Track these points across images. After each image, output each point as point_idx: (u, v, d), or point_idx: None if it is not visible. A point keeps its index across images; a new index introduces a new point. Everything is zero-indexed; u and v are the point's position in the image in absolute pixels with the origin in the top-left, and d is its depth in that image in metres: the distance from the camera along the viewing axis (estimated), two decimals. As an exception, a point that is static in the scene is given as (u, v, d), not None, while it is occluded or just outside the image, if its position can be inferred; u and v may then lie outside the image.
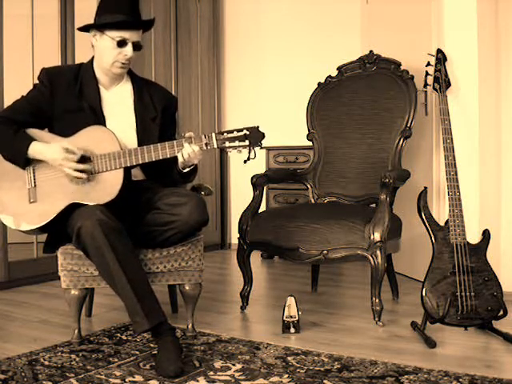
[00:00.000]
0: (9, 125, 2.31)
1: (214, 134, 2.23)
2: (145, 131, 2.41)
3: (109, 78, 2.43)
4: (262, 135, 2.23)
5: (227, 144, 2.23)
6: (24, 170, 2.30)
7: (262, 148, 4.56)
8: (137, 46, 2.35)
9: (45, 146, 2.27)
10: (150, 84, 2.59)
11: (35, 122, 2.36)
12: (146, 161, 2.25)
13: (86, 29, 2.40)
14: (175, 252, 2.40)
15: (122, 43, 2.32)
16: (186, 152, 2.24)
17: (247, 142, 2.22)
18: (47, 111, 2.36)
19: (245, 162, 2.24)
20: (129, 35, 2.32)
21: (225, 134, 2.23)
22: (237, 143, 2.22)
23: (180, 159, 2.27)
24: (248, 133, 2.22)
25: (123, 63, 2.35)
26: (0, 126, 2.31)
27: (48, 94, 2.36)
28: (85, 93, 2.39)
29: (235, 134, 2.22)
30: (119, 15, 2.30)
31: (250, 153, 2.23)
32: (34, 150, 2.26)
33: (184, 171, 2.37)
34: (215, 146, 2.23)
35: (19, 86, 3.39)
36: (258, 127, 2.23)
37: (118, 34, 2.31)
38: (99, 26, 2.33)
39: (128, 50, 2.32)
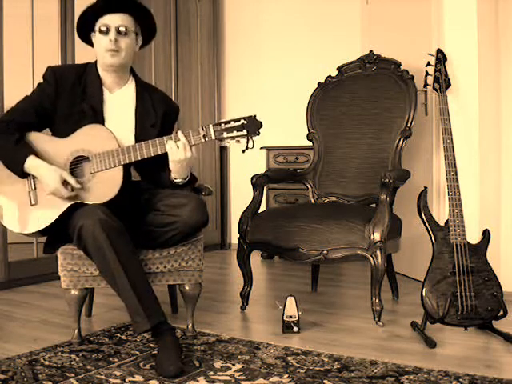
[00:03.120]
0: (12, 132, 2.28)
1: (211, 126, 2.21)
2: (143, 137, 2.38)
3: (113, 80, 2.42)
4: (260, 124, 2.20)
5: (225, 135, 2.20)
6: (22, 177, 2.28)
7: (262, 148, 4.58)
8: (121, 31, 2.32)
9: (41, 166, 2.24)
10: (153, 90, 2.57)
11: (40, 122, 2.35)
12: (145, 156, 2.24)
13: (87, 38, 2.42)
14: (175, 252, 2.40)
15: (105, 31, 2.32)
16: (174, 144, 2.21)
17: (245, 132, 2.19)
18: (50, 110, 2.35)
19: (243, 151, 2.21)
20: (110, 21, 2.32)
21: (222, 124, 2.21)
22: (235, 133, 2.20)
23: (168, 150, 2.23)
24: (245, 122, 2.20)
25: (110, 49, 2.32)
26: (2, 133, 2.29)
27: (52, 93, 2.34)
28: (88, 94, 2.37)
29: (232, 124, 2.20)
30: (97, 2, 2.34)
31: (248, 142, 2.20)
32: (31, 165, 2.24)
33: (175, 181, 2.34)
34: (213, 138, 2.21)
35: (19, 86, 3.40)
36: (255, 116, 2.21)
37: (101, 23, 2.32)
38: (80, 19, 2.37)
39: (111, 34, 2.31)
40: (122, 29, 2.32)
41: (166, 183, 2.38)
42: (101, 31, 2.32)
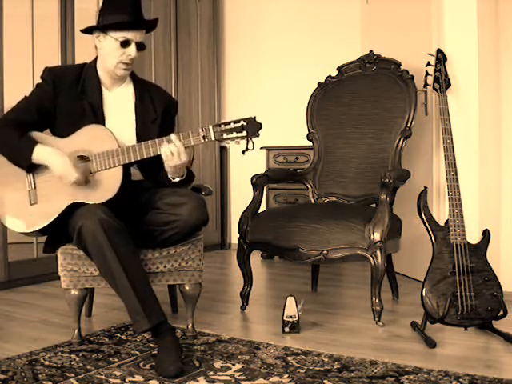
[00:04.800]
0: (15, 127, 2.28)
1: (211, 127, 2.21)
2: (144, 133, 2.40)
3: (111, 80, 2.42)
4: (260, 125, 2.20)
5: (225, 136, 2.20)
6: (28, 172, 2.29)
7: (262, 148, 4.58)
8: (140, 46, 2.34)
9: (50, 153, 2.24)
10: (151, 86, 2.59)
11: (40, 121, 2.35)
12: (145, 156, 2.24)
13: (88, 30, 2.39)
14: (175, 252, 2.40)
15: (125, 43, 2.31)
16: (170, 150, 2.20)
17: (245, 133, 2.20)
18: (50, 110, 2.36)
19: (243, 152, 2.22)
20: (132, 35, 2.31)
21: (222, 125, 2.21)
22: (234, 134, 2.20)
23: (162, 155, 2.23)
24: (245, 123, 2.20)
25: (127, 63, 2.34)
26: (5, 128, 2.30)
27: (51, 92, 2.35)
28: (87, 93, 2.38)
29: (232, 125, 2.20)
30: (122, 15, 2.29)
31: (247, 144, 2.21)
32: (38, 155, 2.24)
33: (173, 181, 2.34)
34: (213, 139, 2.21)
35: (19, 86, 3.40)
36: (254, 117, 2.21)
37: (121, 35, 2.30)
38: (102, 27, 2.33)
39: (131, 50, 2.31)
40: (141, 46, 2.34)
41: (165, 182, 2.38)
42: (121, 43, 2.30)
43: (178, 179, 2.34)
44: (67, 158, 2.22)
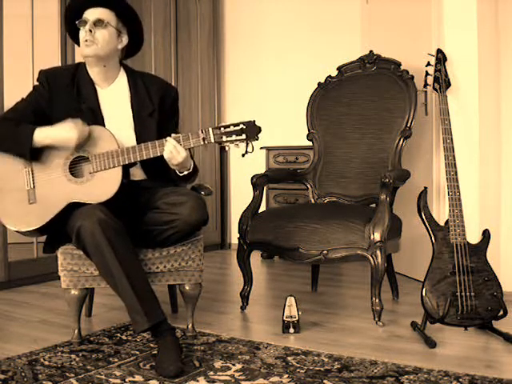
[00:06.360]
0: (12, 121, 2.30)
1: (211, 129, 2.23)
2: (142, 128, 2.41)
3: (101, 75, 2.43)
4: (259, 129, 2.23)
5: (224, 138, 2.22)
6: (27, 162, 2.28)
7: (262, 148, 4.58)
8: (97, 23, 2.34)
9: (52, 127, 2.26)
10: (145, 76, 2.57)
11: (38, 122, 2.36)
12: (144, 158, 2.25)
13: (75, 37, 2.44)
14: (175, 252, 2.40)
15: (83, 24, 2.35)
16: (168, 149, 2.23)
17: (244, 136, 2.22)
18: (47, 112, 2.37)
19: (243, 155, 2.25)
20: (88, 14, 2.36)
21: (222, 128, 2.23)
22: (234, 137, 2.22)
23: (165, 156, 2.25)
24: (245, 127, 2.22)
25: (85, 40, 2.35)
26: (1, 123, 2.32)
27: (47, 95, 2.37)
28: (82, 94, 2.39)
29: (232, 128, 2.23)
30: None
31: (247, 147, 2.23)
32: (41, 133, 2.24)
33: (181, 174, 2.37)
34: (213, 141, 2.23)
35: (19, 86, 3.40)
36: (254, 121, 2.24)
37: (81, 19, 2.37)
38: (66, 19, 2.45)
39: (86, 26, 2.34)
40: (99, 21, 2.34)
41: (175, 177, 2.40)
42: (80, 24, 2.36)
43: (186, 172, 2.37)
44: (68, 124, 2.23)
